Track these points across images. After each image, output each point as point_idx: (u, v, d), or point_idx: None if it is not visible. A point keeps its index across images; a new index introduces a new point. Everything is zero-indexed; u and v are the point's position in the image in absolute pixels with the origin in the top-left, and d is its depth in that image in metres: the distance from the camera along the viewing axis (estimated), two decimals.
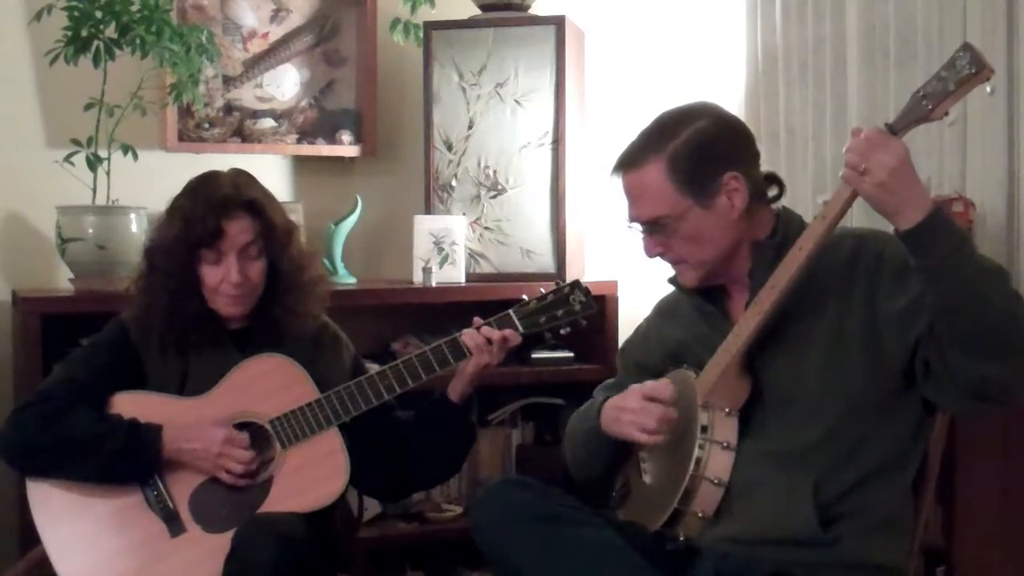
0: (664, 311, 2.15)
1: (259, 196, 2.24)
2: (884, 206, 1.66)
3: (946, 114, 1.66)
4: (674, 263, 1.97)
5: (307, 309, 2.29)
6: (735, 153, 1.93)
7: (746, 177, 1.91)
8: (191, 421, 2.17)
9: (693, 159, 1.89)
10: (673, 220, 1.90)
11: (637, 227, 1.96)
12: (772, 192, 2.00)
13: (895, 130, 1.67)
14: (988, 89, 1.66)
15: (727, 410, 1.89)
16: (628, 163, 1.95)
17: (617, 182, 1.97)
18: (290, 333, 2.26)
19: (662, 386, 1.93)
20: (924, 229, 1.63)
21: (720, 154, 1.90)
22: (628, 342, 2.22)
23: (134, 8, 2.77)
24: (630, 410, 1.94)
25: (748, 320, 1.86)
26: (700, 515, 1.86)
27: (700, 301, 2.01)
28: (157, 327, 2.22)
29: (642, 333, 2.18)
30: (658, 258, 1.98)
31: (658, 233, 1.94)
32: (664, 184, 1.90)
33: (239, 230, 2.19)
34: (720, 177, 1.89)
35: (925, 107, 1.65)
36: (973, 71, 1.60)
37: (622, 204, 1.98)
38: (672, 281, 2.07)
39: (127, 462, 2.13)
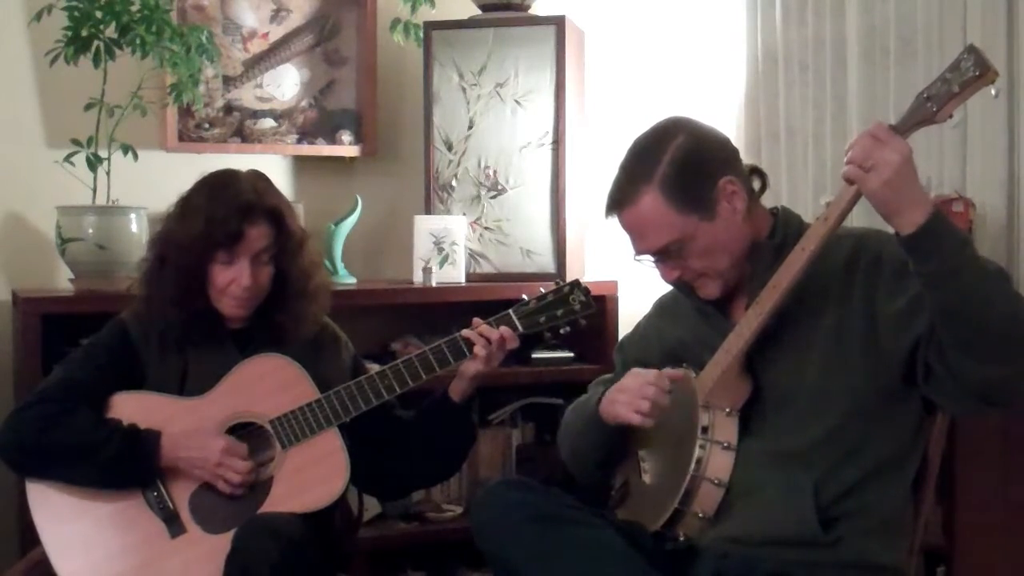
0: (664, 310, 2.15)
1: (280, 204, 2.24)
2: (887, 205, 1.65)
3: (950, 116, 1.66)
4: (694, 280, 1.96)
5: (310, 315, 2.29)
6: (720, 158, 1.92)
7: (739, 178, 1.91)
8: (191, 422, 2.17)
9: (684, 177, 1.87)
10: (684, 242, 1.89)
11: (647, 258, 1.95)
12: (756, 185, 1.99)
13: (899, 131, 1.66)
14: (993, 92, 1.66)
15: (728, 410, 1.89)
16: (621, 201, 1.92)
17: (614, 222, 1.95)
18: (291, 335, 2.26)
19: (657, 372, 1.93)
20: (926, 233, 1.63)
21: (707, 163, 1.89)
22: (627, 339, 2.22)
23: (134, 8, 2.77)
24: (626, 390, 1.94)
25: (750, 320, 1.86)
26: (700, 515, 1.86)
27: (700, 301, 2.01)
28: (158, 321, 2.22)
29: (641, 331, 2.18)
30: (678, 280, 1.96)
31: (672, 258, 1.92)
32: (664, 211, 1.88)
33: (257, 236, 2.18)
34: (715, 186, 1.88)
35: (930, 109, 1.65)
36: (978, 73, 1.60)
37: (626, 240, 1.96)
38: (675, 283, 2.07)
39: (124, 469, 2.13)
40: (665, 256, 1.92)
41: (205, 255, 2.18)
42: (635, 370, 1.98)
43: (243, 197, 2.18)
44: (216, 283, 2.20)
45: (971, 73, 1.60)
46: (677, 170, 1.87)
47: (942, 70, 1.64)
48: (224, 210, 2.16)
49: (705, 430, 1.87)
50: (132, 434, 2.14)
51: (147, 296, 2.24)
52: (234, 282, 2.18)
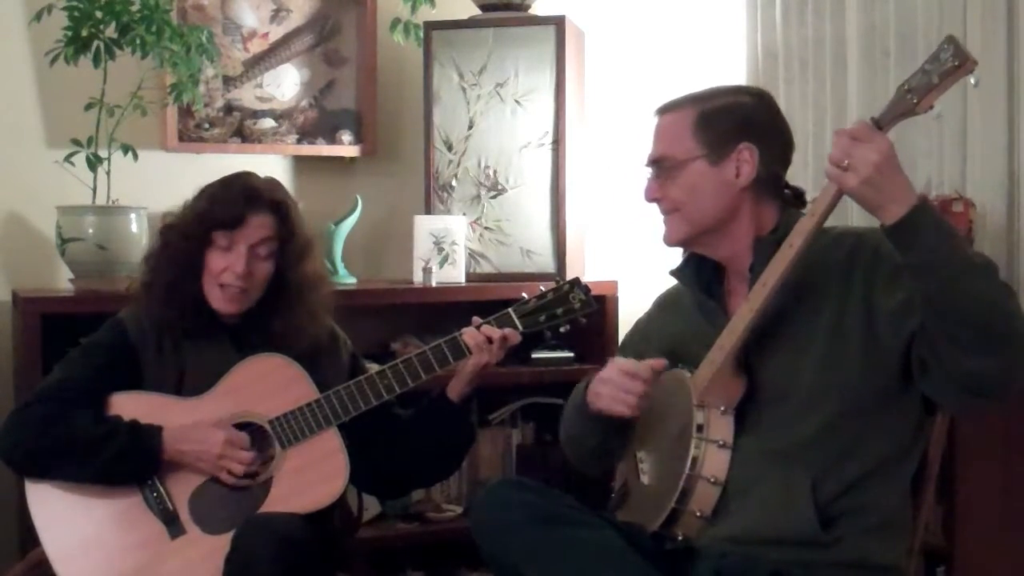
0: (665, 304, 2.15)
1: (287, 200, 2.28)
2: (867, 202, 1.67)
3: (931, 107, 1.66)
4: (667, 213, 2.00)
5: (306, 330, 2.27)
6: (762, 135, 1.95)
7: (761, 156, 1.93)
8: (191, 422, 2.17)
9: (719, 119, 1.95)
10: (678, 165, 1.95)
11: (648, 171, 2.01)
12: (792, 201, 2.02)
13: (881, 124, 1.67)
14: (972, 81, 1.67)
15: (722, 408, 1.89)
16: (667, 107, 2.02)
17: (654, 123, 2.03)
18: (288, 342, 2.26)
19: (639, 364, 1.94)
20: (907, 224, 1.64)
21: (746, 127, 1.94)
22: (628, 337, 2.22)
23: (134, 8, 2.78)
24: (608, 382, 1.95)
25: (741, 317, 1.86)
26: (698, 514, 1.86)
27: (701, 296, 2.01)
28: (156, 309, 2.22)
29: (642, 328, 2.18)
30: (654, 204, 2.01)
31: (661, 176, 1.98)
32: (684, 129, 1.95)
33: (258, 224, 2.21)
34: (737, 144, 1.92)
35: (910, 100, 1.65)
36: (956, 64, 1.60)
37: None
38: (674, 273, 2.07)
39: (127, 464, 2.13)
40: (658, 170, 1.98)
41: (204, 236, 2.19)
42: (616, 359, 1.99)
43: (251, 184, 2.24)
44: (211, 268, 2.20)
45: (950, 64, 1.61)
46: (721, 111, 1.95)
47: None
48: (231, 193, 2.21)
49: (700, 429, 1.87)
50: (134, 429, 2.14)
51: (147, 284, 2.25)
52: (228, 269, 2.19)
